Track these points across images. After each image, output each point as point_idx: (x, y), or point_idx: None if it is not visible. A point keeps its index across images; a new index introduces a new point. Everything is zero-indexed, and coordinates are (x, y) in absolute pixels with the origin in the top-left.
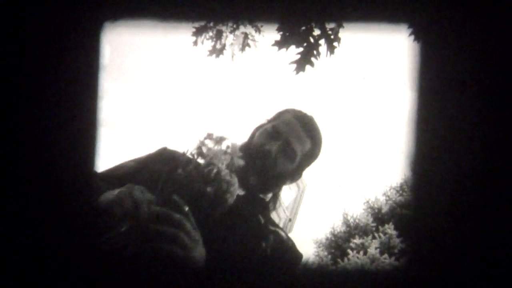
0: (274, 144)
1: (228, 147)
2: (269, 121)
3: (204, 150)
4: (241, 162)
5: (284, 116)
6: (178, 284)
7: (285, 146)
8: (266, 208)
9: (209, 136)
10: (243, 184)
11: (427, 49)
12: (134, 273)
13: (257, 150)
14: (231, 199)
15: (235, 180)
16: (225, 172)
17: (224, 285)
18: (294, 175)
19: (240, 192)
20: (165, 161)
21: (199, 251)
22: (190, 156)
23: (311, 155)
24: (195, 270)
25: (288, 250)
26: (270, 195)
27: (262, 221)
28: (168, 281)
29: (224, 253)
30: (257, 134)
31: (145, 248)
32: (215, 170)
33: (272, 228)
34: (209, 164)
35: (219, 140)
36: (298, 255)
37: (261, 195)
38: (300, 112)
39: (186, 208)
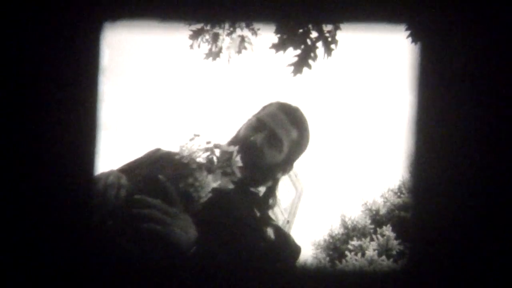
0: (259, 135)
1: (207, 144)
2: (254, 115)
3: (184, 149)
4: (223, 157)
5: (268, 108)
6: (172, 265)
7: (270, 137)
8: (260, 202)
9: (192, 137)
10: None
11: (427, 50)
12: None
13: (242, 143)
14: (196, 194)
15: (203, 177)
16: (194, 167)
17: (221, 282)
18: (284, 166)
19: (230, 185)
20: (157, 161)
21: (181, 226)
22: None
23: (299, 144)
24: (181, 247)
25: (285, 243)
26: (263, 190)
27: (257, 214)
28: (160, 262)
29: (220, 249)
30: (242, 128)
31: (128, 231)
32: (186, 165)
33: (268, 222)
34: (179, 161)
35: (198, 139)
36: (296, 248)
37: (252, 189)
38: (284, 103)
39: (168, 185)
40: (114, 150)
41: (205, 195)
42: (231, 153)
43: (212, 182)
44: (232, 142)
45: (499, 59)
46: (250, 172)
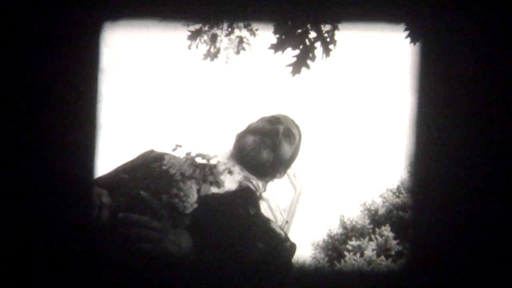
0: (279, 126)
1: (188, 155)
2: (259, 119)
3: (166, 160)
4: (201, 161)
5: (273, 114)
6: (169, 276)
7: (287, 130)
8: (256, 202)
9: (175, 147)
10: (255, 160)
11: (426, 50)
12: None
13: (265, 130)
14: (181, 205)
15: (187, 186)
16: (178, 178)
17: (218, 281)
18: (284, 167)
19: (238, 175)
20: (151, 164)
21: (172, 240)
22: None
23: (297, 149)
24: (176, 260)
25: (281, 241)
26: (261, 188)
27: (252, 212)
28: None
29: (217, 248)
30: (254, 123)
31: (117, 251)
32: (170, 176)
33: (263, 220)
34: (164, 172)
35: (180, 150)
36: (292, 245)
37: (251, 186)
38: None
39: (154, 201)
40: (113, 150)
41: (190, 205)
42: (215, 161)
43: (197, 191)
44: (245, 133)
45: (499, 59)
46: (272, 157)
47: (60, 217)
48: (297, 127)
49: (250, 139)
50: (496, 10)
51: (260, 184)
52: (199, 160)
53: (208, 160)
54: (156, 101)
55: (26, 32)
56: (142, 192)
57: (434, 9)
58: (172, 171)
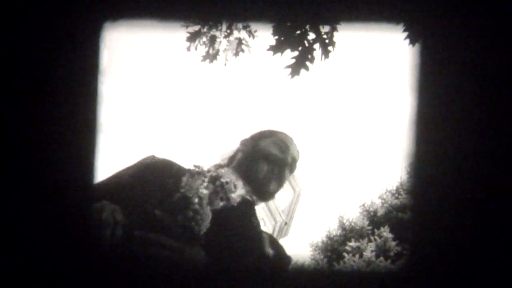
0: (288, 155)
1: (205, 178)
2: (267, 136)
3: (183, 182)
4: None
5: (282, 138)
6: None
7: (292, 160)
8: (256, 215)
9: (191, 170)
10: (263, 188)
11: (426, 51)
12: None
13: (277, 160)
14: (197, 228)
15: (203, 209)
16: (195, 201)
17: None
18: (277, 192)
19: (241, 189)
20: (155, 172)
21: (189, 258)
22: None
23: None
24: (193, 275)
25: (278, 253)
26: (256, 202)
27: (255, 222)
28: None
29: (222, 258)
30: (262, 144)
31: (133, 269)
32: (185, 200)
33: (262, 232)
34: (182, 195)
35: (197, 173)
36: (287, 259)
37: (249, 198)
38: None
39: (169, 220)
40: (113, 152)
41: (205, 226)
42: (226, 179)
43: (211, 212)
44: (258, 156)
45: (498, 59)
46: (279, 187)
47: (58, 222)
48: (298, 152)
49: (264, 167)
50: (496, 10)
51: (255, 198)
52: (211, 178)
53: (219, 178)
54: (156, 101)
55: (26, 32)
56: (157, 211)
57: (434, 10)
58: (189, 194)
